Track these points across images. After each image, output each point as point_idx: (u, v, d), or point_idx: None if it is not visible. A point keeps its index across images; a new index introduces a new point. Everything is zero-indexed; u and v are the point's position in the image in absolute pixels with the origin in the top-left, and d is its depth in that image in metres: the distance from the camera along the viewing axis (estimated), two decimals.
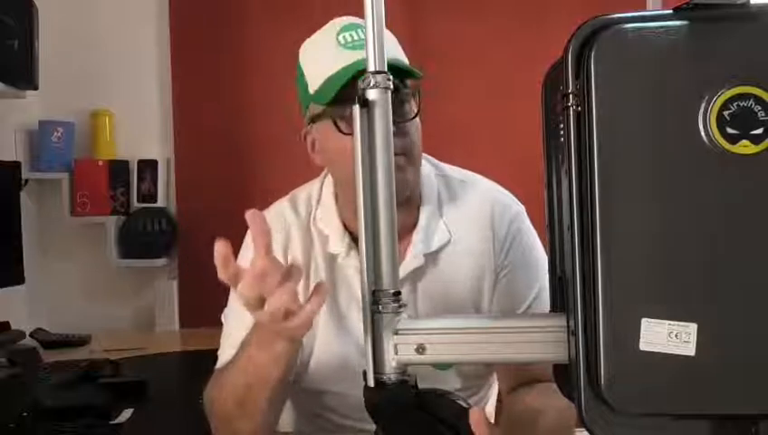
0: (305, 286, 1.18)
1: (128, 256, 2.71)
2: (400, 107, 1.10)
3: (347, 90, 1.05)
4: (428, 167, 1.24)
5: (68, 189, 2.67)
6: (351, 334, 1.18)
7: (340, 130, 1.09)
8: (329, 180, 1.24)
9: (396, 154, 1.06)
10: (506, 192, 1.26)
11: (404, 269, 1.16)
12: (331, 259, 1.20)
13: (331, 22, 1.16)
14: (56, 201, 2.68)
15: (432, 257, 1.18)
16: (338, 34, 1.12)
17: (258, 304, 0.83)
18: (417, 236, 1.18)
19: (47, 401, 1.58)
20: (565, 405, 0.68)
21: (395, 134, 1.04)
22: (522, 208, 1.25)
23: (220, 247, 0.82)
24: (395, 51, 1.13)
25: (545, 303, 1.14)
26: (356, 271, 1.16)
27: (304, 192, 1.26)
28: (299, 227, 1.22)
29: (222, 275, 0.83)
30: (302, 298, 1.16)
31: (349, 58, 1.08)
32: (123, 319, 2.74)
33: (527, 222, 1.24)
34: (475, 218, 1.20)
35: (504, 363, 1.19)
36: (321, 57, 1.14)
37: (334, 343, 1.19)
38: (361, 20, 1.12)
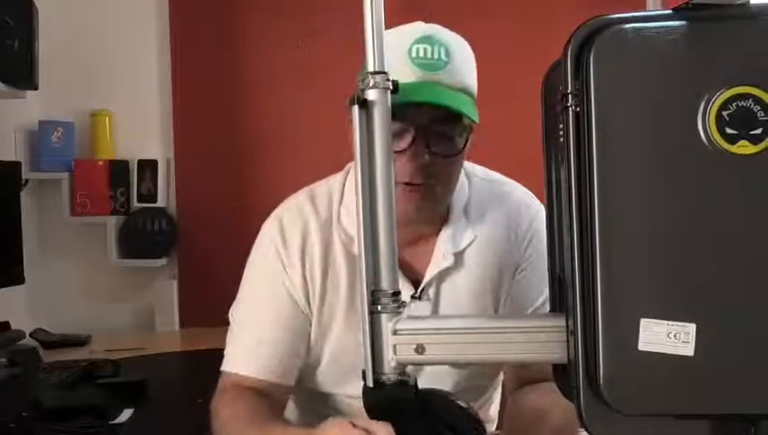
0: (322, 286, 1.17)
1: (128, 256, 2.71)
2: (443, 141, 1.07)
3: (402, 109, 0.99)
4: (471, 173, 1.24)
5: (68, 189, 2.66)
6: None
7: None
8: (352, 178, 1.20)
9: (411, 183, 1.06)
10: (528, 191, 1.26)
11: (433, 269, 1.16)
12: (352, 258, 1.17)
13: (413, 25, 1.11)
14: (56, 201, 2.68)
15: (460, 256, 1.18)
16: (411, 45, 1.07)
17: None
18: (445, 235, 1.17)
19: (47, 401, 1.57)
20: (570, 404, 0.68)
21: (428, 164, 1.05)
22: (542, 209, 1.21)
23: None
24: (466, 79, 1.09)
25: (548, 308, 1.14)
26: None
27: (324, 188, 1.22)
28: (318, 223, 1.18)
29: None
30: (317, 291, 1.16)
31: (413, 75, 1.05)
32: (123, 319, 2.73)
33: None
34: (498, 215, 1.20)
35: (503, 363, 1.19)
36: (389, 62, 1.11)
37: (350, 342, 1.17)
38: (440, 31, 1.10)
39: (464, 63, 1.10)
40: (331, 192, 1.21)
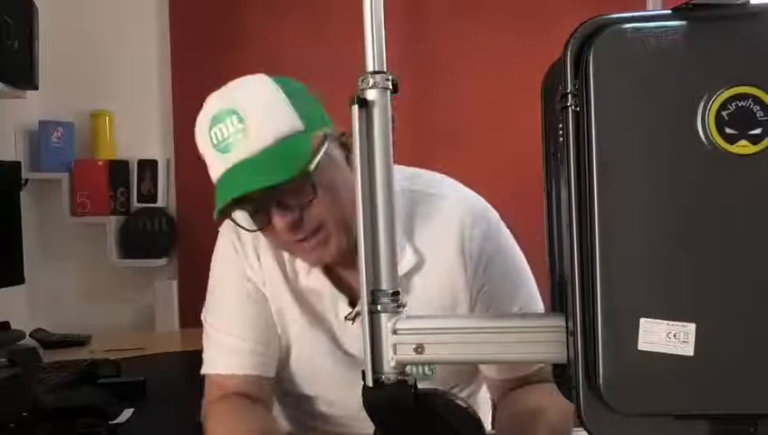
0: (273, 291, 1.18)
1: (128, 256, 2.71)
2: (292, 195, 1.02)
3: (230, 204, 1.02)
4: (398, 182, 1.19)
5: (68, 189, 2.67)
6: (320, 340, 1.18)
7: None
8: None
9: (302, 239, 1.04)
10: (478, 199, 1.19)
11: None
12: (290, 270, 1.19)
13: (207, 107, 1.05)
14: (56, 201, 2.68)
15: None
16: (210, 129, 1.02)
17: None
18: None
19: (47, 401, 1.57)
20: (566, 404, 0.68)
21: (298, 218, 1.01)
22: (494, 216, 1.18)
23: None
24: (272, 130, 0.99)
25: (532, 311, 1.14)
26: (320, 284, 1.16)
27: None
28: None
29: None
30: (268, 294, 1.17)
31: (222, 165, 1.02)
32: (123, 319, 2.74)
33: (501, 230, 1.17)
34: (444, 237, 1.13)
35: (503, 363, 1.19)
36: (205, 154, 1.06)
37: (306, 346, 1.19)
38: (226, 96, 1.04)
39: (264, 115, 1.01)
40: None
